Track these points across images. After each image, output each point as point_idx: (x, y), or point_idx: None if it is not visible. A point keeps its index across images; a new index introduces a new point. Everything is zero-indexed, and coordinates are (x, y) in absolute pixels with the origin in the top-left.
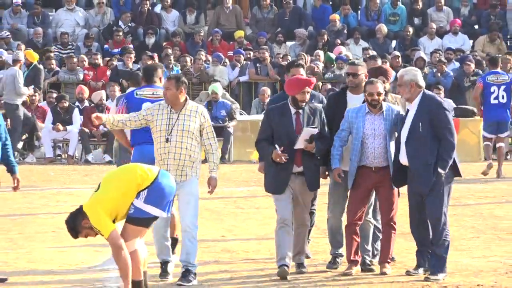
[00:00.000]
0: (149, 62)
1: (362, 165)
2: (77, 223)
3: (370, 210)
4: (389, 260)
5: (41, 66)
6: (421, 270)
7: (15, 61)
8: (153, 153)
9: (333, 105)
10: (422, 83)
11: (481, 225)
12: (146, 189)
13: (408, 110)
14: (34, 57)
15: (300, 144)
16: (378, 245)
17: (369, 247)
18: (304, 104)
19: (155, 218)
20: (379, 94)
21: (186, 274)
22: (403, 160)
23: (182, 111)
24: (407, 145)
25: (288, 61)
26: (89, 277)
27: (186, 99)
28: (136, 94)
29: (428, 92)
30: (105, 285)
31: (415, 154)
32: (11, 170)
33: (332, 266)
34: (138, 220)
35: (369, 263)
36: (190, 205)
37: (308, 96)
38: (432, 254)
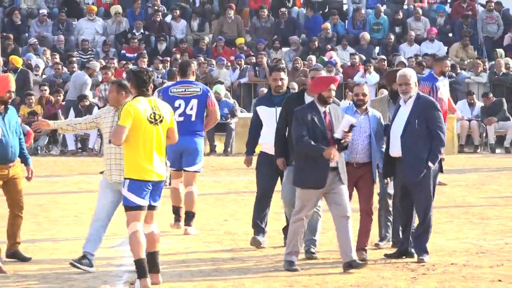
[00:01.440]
0: (160, 66)
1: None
2: (130, 83)
3: (320, 203)
4: (365, 248)
5: (28, 69)
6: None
7: (89, 69)
8: (181, 144)
9: (292, 105)
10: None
11: (455, 210)
12: (129, 180)
13: (399, 106)
14: (19, 61)
15: (339, 133)
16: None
17: (316, 237)
18: (331, 100)
19: (140, 206)
20: (364, 95)
21: (82, 258)
22: (395, 152)
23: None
24: (403, 139)
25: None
26: (107, 256)
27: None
28: (171, 92)
29: (420, 92)
30: (121, 263)
31: (409, 147)
32: (25, 162)
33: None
34: (126, 207)
35: (313, 251)
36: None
37: (334, 94)
38: (420, 239)
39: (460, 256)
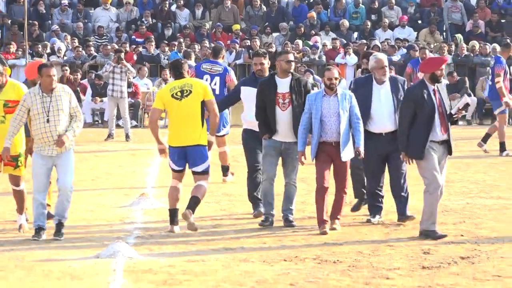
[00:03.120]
0: (167, 49)
1: (322, 141)
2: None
3: (295, 175)
4: (338, 217)
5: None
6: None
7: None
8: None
9: (265, 88)
10: None
11: (416, 174)
12: (168, 146)
13: (372, 87)
14: None
15: (455, 109)
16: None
17: (292, 207)
18: (441, 79)
19: (175, 170)
20: (336, 78)
21: (60, 227)
22: (383, 129)
23: (53, 93)
24: (395, 116)
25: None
26: (119, 214)
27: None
28: (202, 67)
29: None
30: (132, 220)
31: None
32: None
33: (264, 223)
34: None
35: (291, 220)
36: (69, 172)
37: (444, 73)
38: (401, 200)
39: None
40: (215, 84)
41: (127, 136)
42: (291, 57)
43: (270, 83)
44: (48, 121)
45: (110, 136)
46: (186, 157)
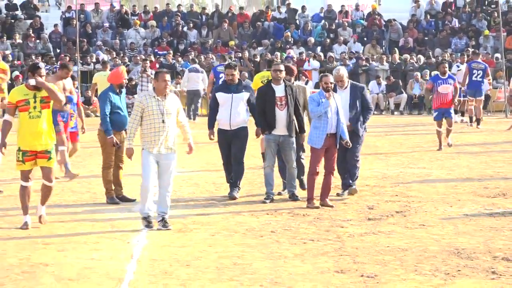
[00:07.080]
0: (180, 59)
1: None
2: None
3: (293, 160)
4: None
5: None
6: (346, 192)
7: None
8: None
9: (265, 93)
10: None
11: (367, 150)
12: None
13: (337, 90)
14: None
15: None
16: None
17: (295, 184)
18: None
19: None
20: (331, 83)
21: (165, 221)
22: (345, 122)
23: (166, 98)
24: (350, 113)
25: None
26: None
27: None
28: (217, 69)
29: (351, 81)
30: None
31: (354, 118)
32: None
33: (266, 201)
34: None
35: (297, 194)
36: (173, 173)
37: None
38: (352, 177)
39: (371, 180)
40: None
41: None
42: (281, 67)
43: (269, 89)
44: (163, 121)
45: None
46: None
